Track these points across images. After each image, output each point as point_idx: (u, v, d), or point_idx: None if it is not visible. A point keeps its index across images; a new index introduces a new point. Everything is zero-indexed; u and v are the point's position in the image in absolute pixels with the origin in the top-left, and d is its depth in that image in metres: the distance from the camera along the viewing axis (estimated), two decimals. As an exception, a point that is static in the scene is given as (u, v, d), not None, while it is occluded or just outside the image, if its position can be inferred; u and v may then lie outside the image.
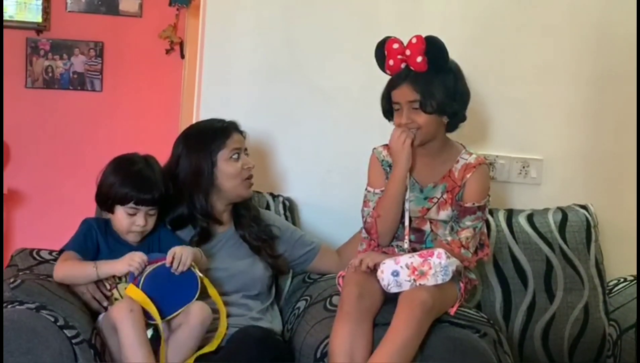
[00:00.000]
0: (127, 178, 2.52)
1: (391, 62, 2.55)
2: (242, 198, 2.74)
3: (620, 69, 3.19)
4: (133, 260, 2.43)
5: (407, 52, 2.51)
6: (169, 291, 2.43)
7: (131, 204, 2.50)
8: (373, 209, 2.61)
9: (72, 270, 2.49)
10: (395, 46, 2.54)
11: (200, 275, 2.46)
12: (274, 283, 2.82)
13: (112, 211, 2.54)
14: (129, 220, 2.52)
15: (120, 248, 2.53)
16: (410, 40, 2.51)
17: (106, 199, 2.54)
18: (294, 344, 2.59)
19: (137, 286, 2.41)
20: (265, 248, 2.76)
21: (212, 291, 2.51)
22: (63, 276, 2.49)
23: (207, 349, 2.45)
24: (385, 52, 2.56)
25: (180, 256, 2.43)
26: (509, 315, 2.94)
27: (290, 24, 3.08)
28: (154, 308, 2.39)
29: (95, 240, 2.54)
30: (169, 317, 2.43)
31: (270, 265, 2.76)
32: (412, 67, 2.51)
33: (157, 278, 2.43)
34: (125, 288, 2.45)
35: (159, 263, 2.44)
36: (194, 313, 2.44)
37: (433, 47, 2.48)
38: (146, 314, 2.39)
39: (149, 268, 2.43)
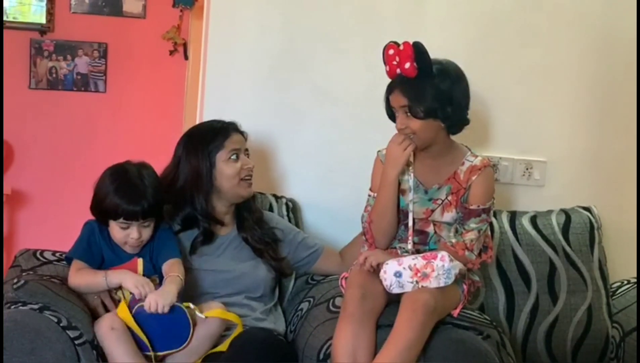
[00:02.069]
0: (117, 191, 2.49)
1: (387, 68, 2.55)
2: (242, 198, 2.74)
3: (623, 71, 3.18)
4: (143, 287, 2.43)
5: (397, 58, 2.51)
6: (159, 326, 2.40)
7: (122, 220, 2.50)
8: (369, 214, 2.63)
9: (84, 280, 2.50)
10: (391, 52, 2.53)
11: (199, 315, 2.41)
12: (277, 285, 2.82)
13: (106, 224, 2.54)
14: (122, 233, 2.51)
15: (121, 252, 2.55)
16: (399, 47, 2.50)
17: (99, 212, 2.54)
18: (297, 345, 2.59)
19: (131, 309, 2.41)
20: (268, 251, 2.76)
21: (226, 315, 2.50)
22: (76, 286, 2.52)
23: (219, 348, 2.46)
24: (384, 58, 2.57)
25: (157, 304, 2.36)
26: (512, 317, 2.93)
27: (294, 25, 3.08)
28: (140, 332, 2.38)
29: (99, 245, 2.55)
30: (159, 353, 2.41)
31: (274, 268, 2.76)
32: (402, 73, 2.51)
33: (145, 312, 2.41)
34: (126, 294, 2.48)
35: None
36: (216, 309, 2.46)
37: (419, 53, 2.47)
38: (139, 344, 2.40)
39: (140, 303, 2.41)
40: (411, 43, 2.47)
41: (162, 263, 2.55)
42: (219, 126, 2.73)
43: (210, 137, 2.69)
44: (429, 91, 2.48)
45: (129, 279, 2.46)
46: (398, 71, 2.51)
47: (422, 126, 2.51)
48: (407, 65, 2.47)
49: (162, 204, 2.56)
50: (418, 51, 2.46)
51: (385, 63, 2.56)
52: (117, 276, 2.47)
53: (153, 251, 2.57)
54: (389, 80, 2.59)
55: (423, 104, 2.48)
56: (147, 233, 2.54)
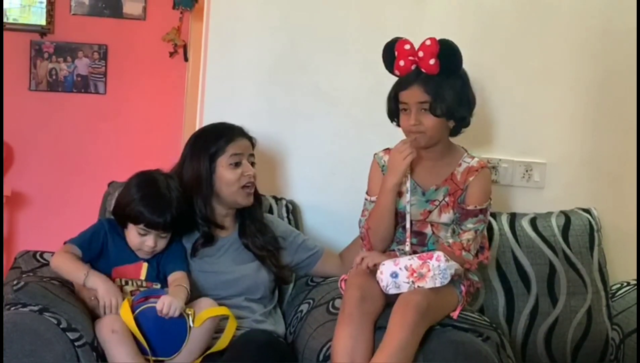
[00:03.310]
0: (143, 198, 2.50)
1: (402, 62, 2.53)
2: (240, 206, 2.71)
3: (623, 73, 3.18)
4: (111, 299, 2.42)
5: (420, 53, 2.50)
6: (159, 331, 2.41)
7: (142, 226, 2.50)
8: (366, 220, 2.63)
9: (66, 266, 2.50)
10: (407, 47, 2.53)
11: (191, 325, 2.41)
12: (277, 287, 2.81)
13: (125, 227, 2.55)
14: (139, 239, 2.52)
15: (129, 253, 2.55)
16: (424, 42, 2.50)
17: (121, 214, 2.55)
18: (297, 347, 2.59)
19: (134, 310, 2.41)
20: (270, 258, 2.74)
21: (215, 312, 2.49)
22: (56, 267, 2.52)
23: (215, 348, 2.46)
24: (396, 53, 2.55)
25: (170, 305, 2.38)
26: (512, 319, 2.93)
27: (295, 26, 3.08)
28: (141, 336, 2.38)
29: (102, 243, 2.55)
30: (158, 358, 2.41)
31: (274, 274, 2.75)
32: (423, 69, 2.50)
33: (149, 314, 2.41)
34: (129, 294, 2.48)
35: (152, 305, 2.42)
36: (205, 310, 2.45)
37: (447, 51, 2.47)
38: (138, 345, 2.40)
39: (144, 305, 2.42)
40: (438, 40, 2.47)
41: (169, 273, 2.56)
42: (224, 129, 2.71)
43: (213, 140, 2.67)
44: (449, 90, 2.49)
45: (102, 286, 2.44)
46: (413, 67, 2.51)
47: (435, 124, 2.51)
48: (432, 61, 2.47)
49: (183, 218, 2.56)
50: (448, 48, 2.47)
51: (393, 58, 2.54)
52: (94, 281, 2.45)
53: (161, 260, 2.57)
54: (390, 81, 2.59)
55: (445, 103, 2.49)
56: (162, 243, 2.55)
